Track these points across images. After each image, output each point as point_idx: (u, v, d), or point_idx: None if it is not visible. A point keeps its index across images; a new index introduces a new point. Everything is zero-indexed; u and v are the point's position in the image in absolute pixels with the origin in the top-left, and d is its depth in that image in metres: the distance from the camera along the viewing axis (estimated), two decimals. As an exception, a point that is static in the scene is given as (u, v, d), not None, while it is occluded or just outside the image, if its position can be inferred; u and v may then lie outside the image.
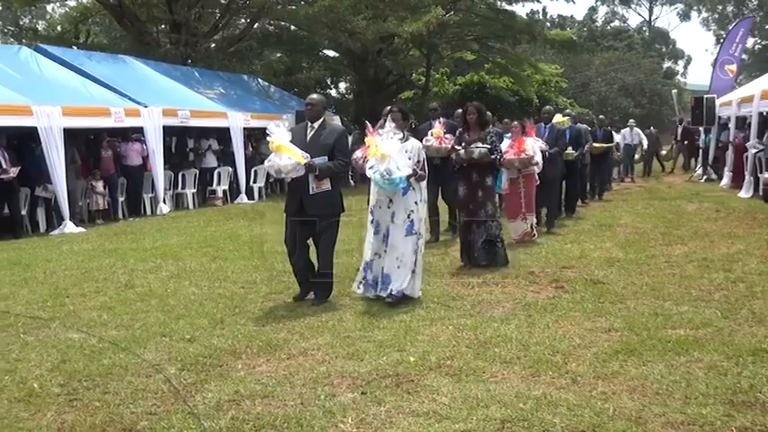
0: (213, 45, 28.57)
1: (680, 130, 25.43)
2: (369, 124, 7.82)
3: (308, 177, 6.88)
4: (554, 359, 5.21)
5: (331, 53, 33.98)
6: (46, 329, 6.40)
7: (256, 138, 21.01)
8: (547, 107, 13.56)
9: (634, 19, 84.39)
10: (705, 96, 21.87)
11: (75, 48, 24.67)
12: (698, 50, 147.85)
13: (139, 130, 16.41)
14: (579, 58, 50.11)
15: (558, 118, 13.24)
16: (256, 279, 8.34)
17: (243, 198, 19.28)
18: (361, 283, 7.32)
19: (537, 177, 10.64)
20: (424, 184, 7.26)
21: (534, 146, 10.47)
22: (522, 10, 48.71)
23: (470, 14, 30.49)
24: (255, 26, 28.93)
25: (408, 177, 6.93)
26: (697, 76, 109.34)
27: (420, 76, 34.55)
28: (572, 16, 73.02)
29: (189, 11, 25.11)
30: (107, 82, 17.15)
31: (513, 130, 10.67)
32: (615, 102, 54.39)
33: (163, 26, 27.58)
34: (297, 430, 4.13)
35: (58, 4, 32.80)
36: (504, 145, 10.25)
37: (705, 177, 21.58)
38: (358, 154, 8.30)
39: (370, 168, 7.01)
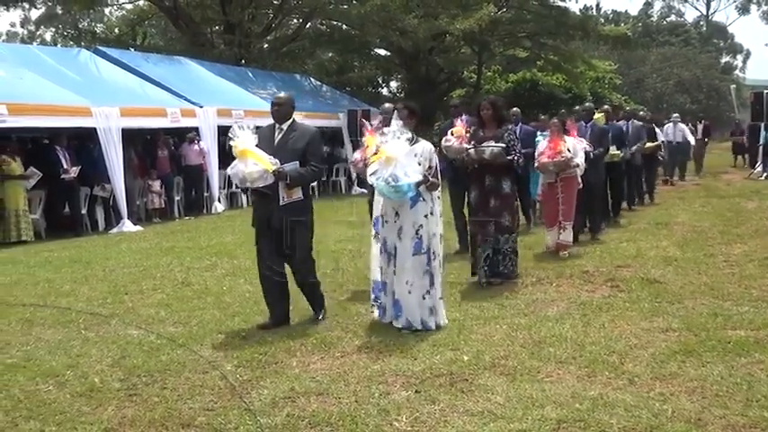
0: (266, 45, 28.88)
1: (700, 127, 24.22)
2: (367, 123, 7.25)
3: (278, 186, 6.06)
4: (610, 359, 5.14)
5: (382, 52, 34.07)
6: (106, 326, 6.54)
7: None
8: (587, 104, 12.21)
9: (690, 13, 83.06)
10: (765, 92, 21.31)
11: (132, 50, 25.20)
12: (758, 45, 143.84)
13: (194, 131, 16.64)
14: (634, 54, 49.29)
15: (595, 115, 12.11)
16: (310, 277, 8.39)
17: (295, 197, 19.41)
18: (374, 306, 6.52)
19: (580, 180, 9.53)
20: (436, 194, 6.23)
21: (576, 146, 9.41)
22: (575, 6, 48.32)
23: (522, 11, 30.25)
24: (308, 26, 29.18)
25: (418, 185, 5.91)
26: (757, 70, 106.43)
27: (471, 74, 34.38)
28: (626, 11, 72.12)
29: (242, 12, 25.43)
30: (163, 83, 17.46)
31: (551, 128, 9.57)
32: (671, 98, 53.40)
33: (217, 27, 28.00)
34: (352, 428, 4.15)
35: (115, 7, 33.47)
36: (541, 146, 9.52)
37: (765, 175, 21.01)
38: (356, 156, 7.49)
39: (372, 174, 6.00)
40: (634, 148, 13.32)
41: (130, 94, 15.79)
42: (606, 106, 14.03)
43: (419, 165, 5.99)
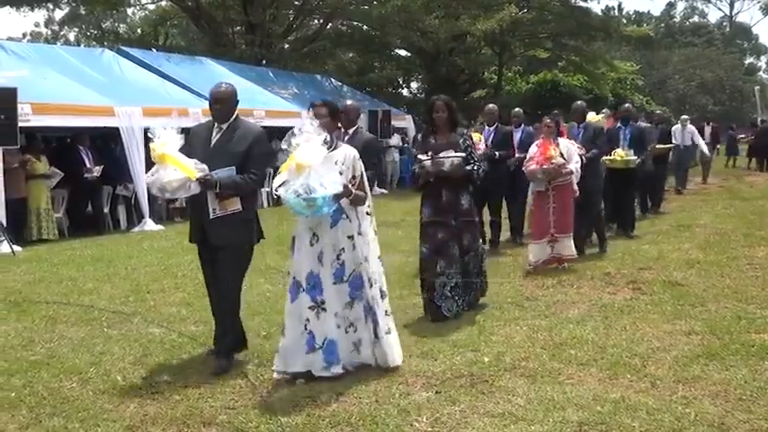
0: (287, 46, 29.01)
1: (708, 130, 22.96)
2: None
3: (207, 196, 5.12)
4: (632, 362, 5.11)
5: (403, 52, 34.18)
6: (128, 324, 6.58)
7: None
8: (578, 102, 10.76)
9: (714, 14, 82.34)
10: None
11: (154, 50, 25.36)
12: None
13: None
14: (656, 54, 49.06)
15: (591, 117, 10.87)
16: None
17: (315, 197, 19.41)
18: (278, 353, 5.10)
19: (576, 188, 8.57)
20: (364, 209, 5.17)
21: (569, 149, 8.51)
22: (596, 6, 48.13)
23: (544, 12, 30.25)
24: (328, 27, 29.27)
25: (336, 198, 4.80)
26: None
27: (492, 75, 34.37)
28: (649, 12, 71.64)
29: (264, 12, 25.53)
30: (185, 83, 17.55)
31: (543, 129, 8.59)
32: (694, 99, 53.04)
33: (238, 28, 28.15)
34: (372, 428, 4.15)
35: (137, 7, 33.75)
36: (531, 150, 8.64)
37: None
38: None
39: (280, 186, 4.86)
40: (649, 148, 11.90)
41: (153, 93, 15.88)
42: (627, 105, 12.62)
43: (340, 174, 4.91)
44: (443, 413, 4.30)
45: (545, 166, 8.25)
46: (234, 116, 5.35)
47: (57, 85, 13.63)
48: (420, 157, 6.71)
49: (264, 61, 25.51)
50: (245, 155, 5.17)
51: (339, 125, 5.73)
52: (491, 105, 10.66)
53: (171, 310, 7.05)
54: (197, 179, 4.97)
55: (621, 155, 10.49)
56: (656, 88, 51.08)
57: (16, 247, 10.92)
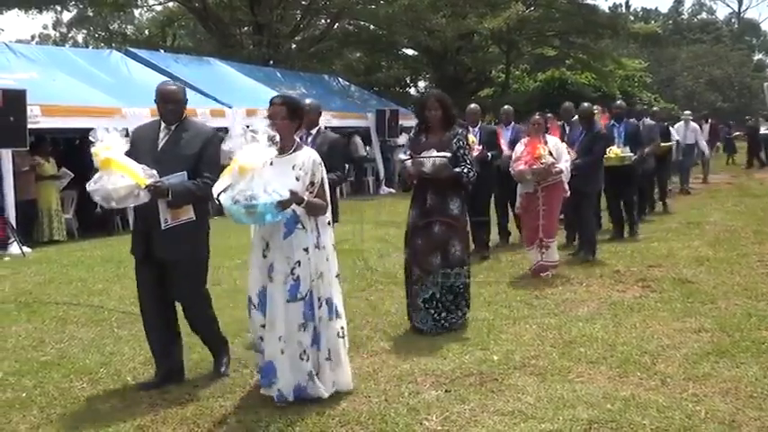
0: (294, 46, 29.05)
1: (706, 127, 22.15)
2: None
3: (158, 205, 4.70)
4: (642, 360, 5.11)
5: (410, 51, 34.21)
6: (138, 324, 6.49)
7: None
8: (586, 104, 9.82)
9: (722, 11, 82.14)
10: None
11: (162, 51, 25.44)
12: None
13: (224, 131, 16.75)
14: (664, 52, 48.95)
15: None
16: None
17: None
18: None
19: (566, 187, 8.06)
20: (325, 219, 4.63)
21: (558, 147, 8.00)
22: (604, 4, 48.14)
23: (551, 9, 30.22)
24: (335, 26, 29.31)
25: (283, 205, 4.24)
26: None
27: (500, 74, 34.36)
28: (656, 9, 71.61)
29: (271, 13, 25.58)
30: (192, 83, 17.51)
31: (530, 126, 8.06)
32: (702, 96, 52.90)
33: (246, 28, 28.21)
34: (382, 427, 4.15)
35: (145, 8, 33.85)
36: (518, 149, 8.16)
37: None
38: None
39: (222, 192, 4.31)
40: (647, 150, 11.19)
41: (160, 94, 15.91)
42: (619, 102, 11.97)
43: (297, 180, 4.44)
44: (453, 412, 4.30)
45: (534, 167, 7.78)
46: (184, 116, 4.94)
47: (65, 87, 13.68)
48: (401, 156, 6.31)
49: (272, 61, 25.55)
50: (196, 158, 4.77)
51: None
52: (473, 106, 10.20)
53: (179, 311, 7.04)
54: (146, 186, 4.54)
55: (616, 152, 10.12)
56: (664, 86, 50.98)
57: (26, 249, 10.97)
